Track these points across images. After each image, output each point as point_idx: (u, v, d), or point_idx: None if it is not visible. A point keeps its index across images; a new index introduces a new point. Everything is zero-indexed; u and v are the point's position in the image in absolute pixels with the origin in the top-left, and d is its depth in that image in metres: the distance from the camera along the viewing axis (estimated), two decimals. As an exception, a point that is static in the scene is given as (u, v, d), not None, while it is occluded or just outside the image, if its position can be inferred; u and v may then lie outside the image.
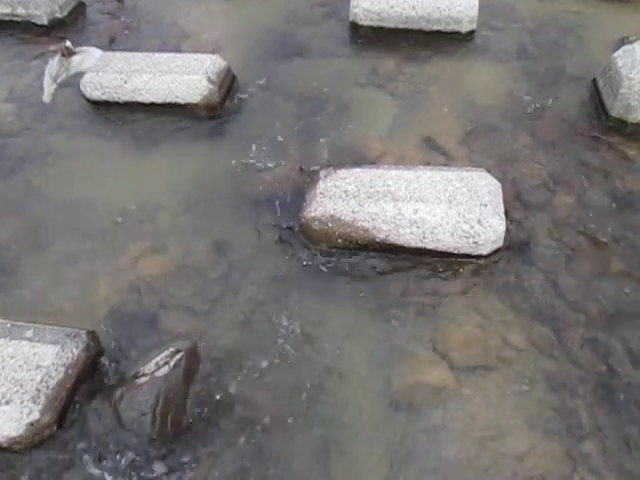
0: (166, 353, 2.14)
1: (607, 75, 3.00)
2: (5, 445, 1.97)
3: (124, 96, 3.22)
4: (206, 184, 2.86)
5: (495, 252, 2.43)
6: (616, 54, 3.01)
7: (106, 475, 1.96)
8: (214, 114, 3.20)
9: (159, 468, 1.96)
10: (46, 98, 3.39)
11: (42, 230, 2.71)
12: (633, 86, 2.81)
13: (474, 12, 3.45)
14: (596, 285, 2.35)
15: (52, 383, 2.02)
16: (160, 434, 1.99)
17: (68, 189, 2.88)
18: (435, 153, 2.89)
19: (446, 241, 2.39)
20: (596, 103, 3.06)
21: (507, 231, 2.40)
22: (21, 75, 3.55)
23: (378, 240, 2.44)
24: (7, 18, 3.91)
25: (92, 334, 2.24)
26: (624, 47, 3.05)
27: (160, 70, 3.19)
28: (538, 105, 3.10)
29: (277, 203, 2.73)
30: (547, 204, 2.63)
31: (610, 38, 3.43)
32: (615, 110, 2.91)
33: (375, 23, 3.58)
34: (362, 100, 3.22)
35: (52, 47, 3.68)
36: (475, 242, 2.37)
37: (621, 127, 2.91)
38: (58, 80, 3.48)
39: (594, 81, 3.15)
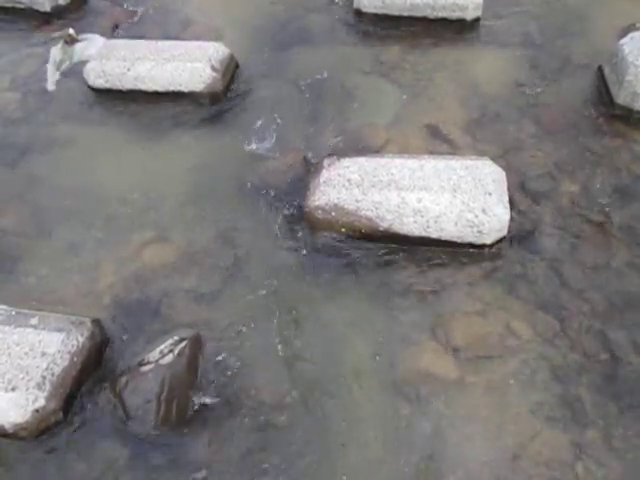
0: (170, 341, 2.15)
1: (613, 62, 2.97)
2: (11, 431, 1.99)
3: (127, 84, 3.21)
4: (210, 173, 2.85)
5: (499, 241, 2.42)
6: (622, 41, 2.97)
7: (111, 461, 1.97)
8: (217, 102, 3.19)
9: (163, 455, 1.97)
10: (49, 86, 3.38)
11: (47, 219, 2.72)
12: (639, 73, 2.78)
13: (479, -1, 3.42)
14: (600, 274, 2.35)
15: (57, 370, 2.04)
16: (164, 421, 2.01)
17: (72, 178, 2.88)
18: (439, 142, 2.88)
19: (450, 230, 2.38)
20: (602, 91, 3.03)
21: (511, 220, 2.40)
22: (24, 63, 3.54)
23: (381, 229, 2.44)
24: (10, 5, 3.89)
25: (97, 322, 2.26)
26: (630, 34, 3.01)
27: (163, 58, 3.17)
28: (543, 93, 3.08)
29: (281, 192, 2.73)
30: (552, 193, 2.62)
31: (616, 25, 3.39)
32: (621, 98, 2.88)
33: (379, 10, 3.55)
34: (366, 88, 3.20)
35: (55, 35, 3.66)
36: (479, 231, 2.36)
37: (627, 115, 2.88)
38: (61, 68, 3.47)
39: (600, 68, 3.12)
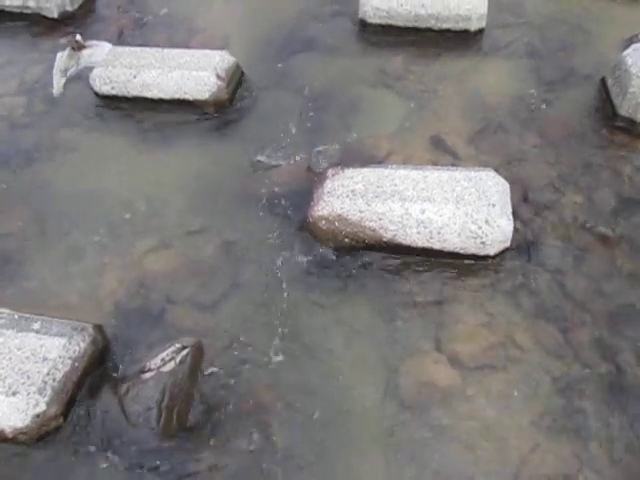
0: (172, 348, 2.15)
1: (616, 74, 2.98)
2: (11, 436, 1.99)
3: (133, 91, 3.22)
4: (213, 181, 2.86)
5: (503, 252, 2.42)
6: (626, 52, 2.99)
7: (111, 469, 1.97)
8: (222, 111, 3.20)
9: (164, 462, 1.97)
10: (55, 92, 3.39)
11: (50, 223, 2.72)
12: (643, 86, 2.79)
13: (483, 10, 3.43)
14: (604, 285, 2.34)
15: (59, 375, 2.04)
16: (165, 429, 2.00)
17: (76, 183, 2.89)
18: (443, 153, 2.88)
19: (453, 241, 2.38)
20: (605, 102, 3.04)
21: (515, 231, 2.39)
22: (31, 68, 3.56)
23: (385, 240, 2.44)
24: (18, 10, 3.91)
25: (99, 328, 2.26)
26: (634, 45, 3.03)
27: (169, 66, 3.19)
28: (547, 104, 3.09)
29: (284, 201, 2.73)
30: (555, 204, 2.62)
31: (620, 36, 3.41)
32: (624, 109, 2.89)
33: (384, 21, 3.57)
34: (370, 99, 3.21)
35: (62, 40, 3.69)
36: (483, 242, 2.36)
37: (630, 126, 2.88)
38: (67, 74, 3.49)
39: (603, 80, 3.13)
